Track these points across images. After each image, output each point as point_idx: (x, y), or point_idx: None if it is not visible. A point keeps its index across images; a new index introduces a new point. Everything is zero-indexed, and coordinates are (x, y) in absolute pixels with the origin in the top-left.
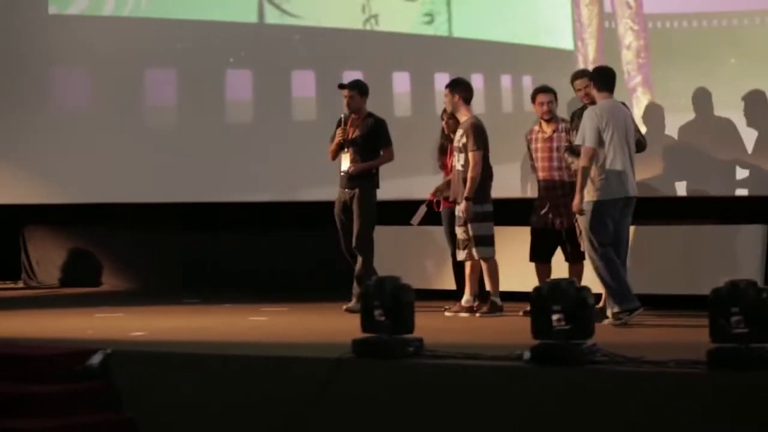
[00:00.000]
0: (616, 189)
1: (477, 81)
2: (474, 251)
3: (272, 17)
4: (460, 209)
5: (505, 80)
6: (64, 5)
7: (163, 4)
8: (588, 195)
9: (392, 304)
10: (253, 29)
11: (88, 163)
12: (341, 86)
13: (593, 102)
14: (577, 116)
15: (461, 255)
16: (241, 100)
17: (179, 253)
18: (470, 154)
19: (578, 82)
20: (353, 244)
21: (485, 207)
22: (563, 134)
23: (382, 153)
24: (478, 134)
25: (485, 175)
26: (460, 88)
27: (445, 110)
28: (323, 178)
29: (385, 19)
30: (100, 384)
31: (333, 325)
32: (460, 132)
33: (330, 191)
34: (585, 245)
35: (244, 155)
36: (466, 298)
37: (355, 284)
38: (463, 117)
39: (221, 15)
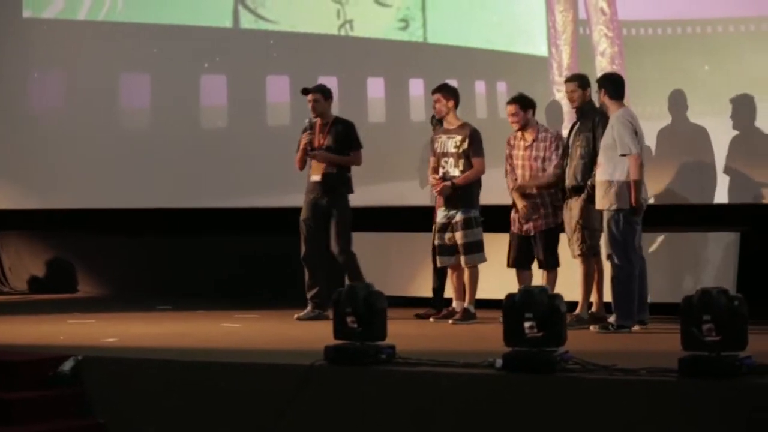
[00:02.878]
0: (641, 196)
1: None
2: (463, 258)
3: (247, 22)
4: (444, 215)
5: (480, 86)
6: (38, 9)
7: (138, 9)
8: (616, 203)
9: (364, 310)
10: (228, 34)
11: (62, 168)
12: (304, 91)
13: (581, 107)
14: (585, 128)
15: (447, 261)
16: (215, 105)
17: (152, 259)
18: (476, 160)
19: (569, 85)
20: (336, 251)
21: (475, 213)
22: (542, 143)
23: (351, 155)
24: (480, 140)
25: (477, 182)
26: (453, 93)
27: (434, 117)
28: (298, 184)
29: (359, 25)
30: (72, 390)
31: (305, 331)
32: (457, 138)
33: (303, 197)
34: (609, 253)
35: (219, 160)
36: (459, 303)
37: (310, 292)
38: (455, 123)
39: (196, 20)
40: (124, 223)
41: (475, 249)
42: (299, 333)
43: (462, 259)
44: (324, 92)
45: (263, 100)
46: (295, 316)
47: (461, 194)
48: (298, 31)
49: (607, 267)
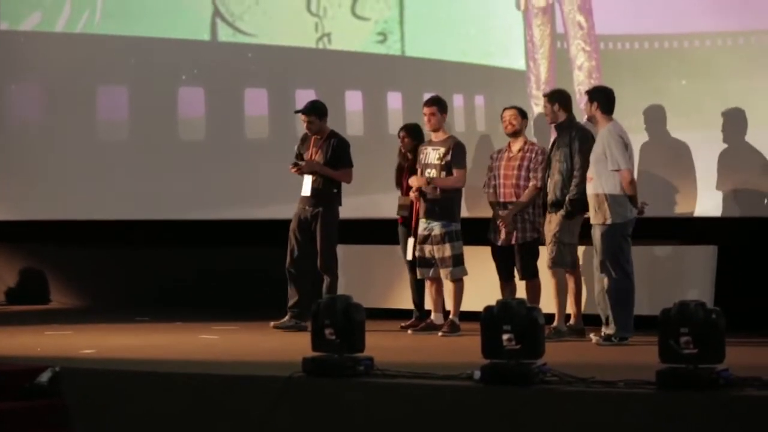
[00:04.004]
0: (631, 210)
1: None
2: (445, 271)
3: (225, 35)
4: (425, 227)
5: (458, 99)
6: (15, 21)
7: (115, 21)
8: (609, 217)
9: (343, 322)
10: (206, 47)
11: (39, 179)
12: (298, 112)
13: (559, 124)
14: (563, 144)
15: (427, 273)
16: (193, 117)
17: (130, 271)
18: (456, 171)
19: (543, 101)
20: (319, 265)
21: (456, 226)
22: (528, 154)
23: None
24: (464, 153)
25: (458, 195)
26: (445, 107)
27: (403, 128)
28: (275, 196)
29: (337, 38)
30: (49, 402)
31: (284, 343)
32: (440, 150)
33: (281, 209)
34: (600, 266)
35: (197, 173)
36: (438, 316)
37: (290, 302)
38: (442, 136)
39: (174, 32)
40: (101, 234)
41: (456, 262)
42: (277, 345)
43: (443, 272)
44: (318, 113)
45: (241, 113)
46: (272, 324)
47: (442, 207)
48: (277, 44)
49: (588, 280)
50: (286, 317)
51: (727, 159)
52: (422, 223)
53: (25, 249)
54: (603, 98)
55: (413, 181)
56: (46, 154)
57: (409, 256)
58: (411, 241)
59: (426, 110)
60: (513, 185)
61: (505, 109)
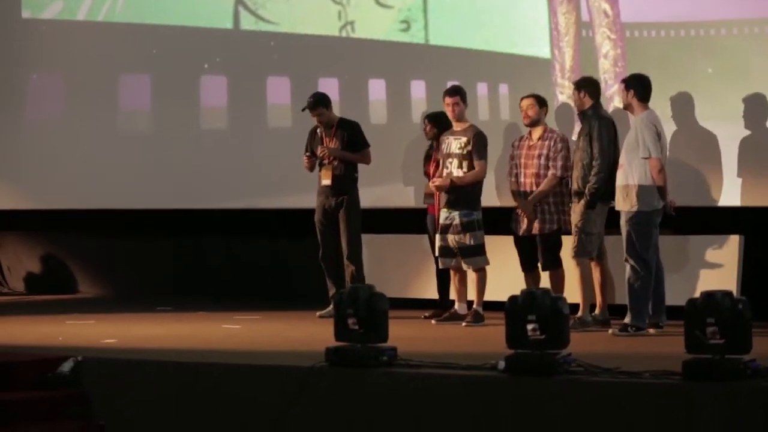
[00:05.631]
0: (659, 200)
1: None
2: (466, 261)
3: (247, 23)
4: (446, 217)
5: (482, 88)
6: (37, 9)
7: (137, 10)
8: (636, 204)
9: (366, 312)
10: (229, 35)
11: (61, 168)
12: (304, 110)
13: (583, 111)
14: (585, 133)
15: (449, 263)
16: (215, 106)
17: (152, 260)
18: (477, 163)
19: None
20: (345, 253)
21: (477, 215)
22: (547, 142)
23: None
24: (485, 143)
25: (478, 183)
26: (465, 95)
27: (426, 117)
28: (298, 185)
29: (361, 26)
30: (71, 391)
31: (306, 333)
32: (463, 139)
33: (304, 199)
34: (628, 254)
35: (219, 162)
36: (461, 305)
37: (330, 291)
38: (463, 125)
39: (196, 21)
40: (123, 224)
41: (477, 252)
42: (300, 334)
43: (465, 262)
44: (324, 104)
45: (264, 102)
46: (318, 313)
47: (462, 196)
48: (299, 32)
49: (615, 270)
50: (330, 307)
51: (749, 147)
52: (443, 213)
53: (46, 238)
54: (639, 86)
55: (436, 184)
56: (68, 143)
57: (436, 249)
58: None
59: (449, 100)
60: (534, 174)
61: (522, 98)
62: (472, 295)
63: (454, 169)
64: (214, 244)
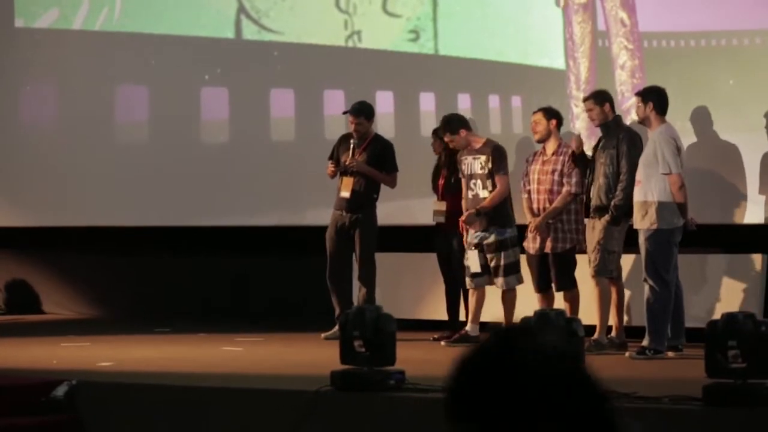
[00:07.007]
0: (679, 218)
1: (464, 101)
2: (500, 281)
3: (250, 33)
4: (477, 235)
5: (493, 100)
6: (31, 18)
7: (135, 18)
8: (656, 222)
9: (373, 334)
10: (230, 45)
11: (54, 183)
12: (347, 112)
13: (604, 124)
14: (610, 146)
15: (479, 282)
16: (216, 119)
17: (151, 280)
18: (499, 179)
19: (587, 104)
20: (358, 274)
21: (511, 232)
22: (561, 158)
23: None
24: (504, 156)
25: (507, 199)
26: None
27: (435, 131)
28: (301, 201)
29: (368, 36)
30: (65, 417)
31: (310, 356)
32: (481, 158)
33: (308, 215)
34: (647, 274)
35: (220, 177)
36: (473, 327)
37: (337, 311)
38: (479, 141)
39: (196, 30)
40: (121, 241)
41: (512, 270)
42: (304, 357)
43: (499, 281)
44: (367, 113)
45: (267, 115)
46: (323, 335)
47: (493, 214)
48: (304, 42)
49: (632, 291)
50: (335, 328)
51: None
52: (473, 232)
53: (43, 256)
54: (657, 99)
55: (464, 220)
56: (62, 157)
57: (476, 268)
58: (472, 252)
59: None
60: (547, 191)
61: (533, 113)
62: (487, 315)
63: (480, 191)
64: (214, 262)
